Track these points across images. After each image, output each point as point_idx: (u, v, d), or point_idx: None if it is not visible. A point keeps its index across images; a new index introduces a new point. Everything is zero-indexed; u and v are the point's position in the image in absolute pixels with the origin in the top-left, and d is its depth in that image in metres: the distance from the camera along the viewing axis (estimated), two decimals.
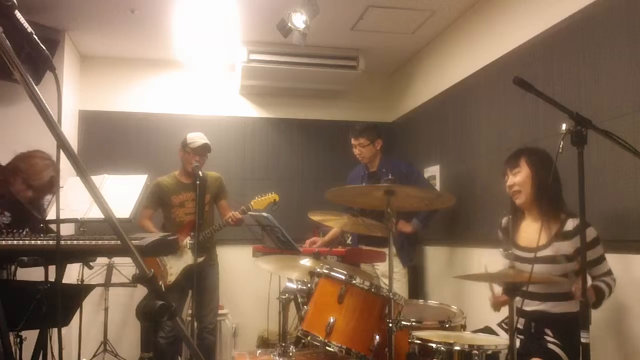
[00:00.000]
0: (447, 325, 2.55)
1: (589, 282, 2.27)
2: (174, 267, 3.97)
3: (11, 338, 2.25)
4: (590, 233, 2.34)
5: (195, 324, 4.02)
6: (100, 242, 2.00)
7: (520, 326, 2.49)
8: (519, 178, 2.56)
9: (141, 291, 4.64)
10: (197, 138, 4.09)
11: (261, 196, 4.13)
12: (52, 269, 2.04)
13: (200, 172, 3.95)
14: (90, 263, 2.56)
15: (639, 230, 2.56)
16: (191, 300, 4.12)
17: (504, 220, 2.74)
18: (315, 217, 3.04)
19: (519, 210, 2.64)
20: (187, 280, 3.94)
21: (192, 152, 4.04)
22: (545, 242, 2.47)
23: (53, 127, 1.10)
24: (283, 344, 2.72)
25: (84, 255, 2.27)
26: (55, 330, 2.17)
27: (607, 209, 2.70)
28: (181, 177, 4.16)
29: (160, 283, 3.14)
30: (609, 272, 2.43)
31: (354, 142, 4.18)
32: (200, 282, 3.98)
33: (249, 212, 4.00)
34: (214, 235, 4.12)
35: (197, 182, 3.88)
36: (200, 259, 3.94)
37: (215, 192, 4.21)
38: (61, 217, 1.60)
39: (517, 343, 2.26)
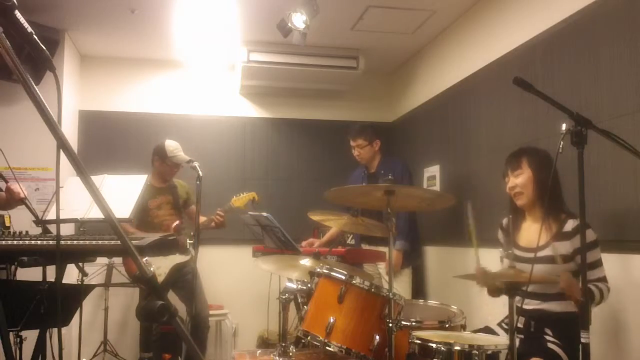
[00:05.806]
0: (447, 325, 2.54)
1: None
2: (162, 267, 4.05)
3: (11, 338, 2.25)
4: (589, 235, 2.32)
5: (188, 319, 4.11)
6: (100, 242, 2.00)
7: (520, 325, 2.48)
8: (521, 179, 2.54)
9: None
10: (177, 151, 4.19)
11: (240, 194, 4.25)
12: (52, 269, 2.04)
13: (174, 180, 4.34)
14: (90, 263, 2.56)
15: (639, 230, 2.56)
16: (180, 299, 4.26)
17: (505, 221, 2.74)
18: (315, 217, 3.04)
19: (520, 211, 2.63)
20: (173, 279, 4.10)
21: (172, 165, 4.19)
22: (544, 242, 2.47)
23: (53, 127, 1.10)
24: (283, 344, 2.72)
25: (84, 255, 2.27)
26: (55, 330, 2.17)
27: (607, 209, 2.70)
28: (155, 182, 4.31)
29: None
30: (603, 279, 2.39)
31: (352, 144, 4.19)
32: (190, 279, 4.11)
33: (250, 213, 4.01)
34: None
35: (198, 182, 3.91)
36: (188, 257, 4.10)
37: (185, 198, 4.41)
38: (61, 217, 1.59)
39: (517, 343, 2.26)
